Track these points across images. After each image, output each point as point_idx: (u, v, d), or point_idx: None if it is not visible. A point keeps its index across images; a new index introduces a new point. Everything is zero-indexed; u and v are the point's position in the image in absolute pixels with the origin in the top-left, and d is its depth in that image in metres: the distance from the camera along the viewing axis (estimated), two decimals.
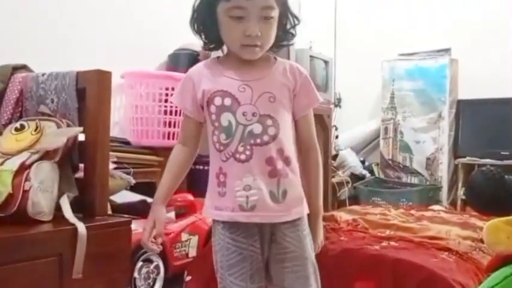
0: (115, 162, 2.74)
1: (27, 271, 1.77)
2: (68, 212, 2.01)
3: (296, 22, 1.46)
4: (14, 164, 2.01)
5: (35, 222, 1.93)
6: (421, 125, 5.15)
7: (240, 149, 1.39)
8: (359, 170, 5.35)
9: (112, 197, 2.47)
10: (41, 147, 2.07)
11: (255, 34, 1.33)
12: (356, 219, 3.06)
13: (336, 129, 5.42)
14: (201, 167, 3.81)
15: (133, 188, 3.02)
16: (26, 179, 1.97)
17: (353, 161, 5.37)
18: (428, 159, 5.13)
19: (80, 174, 2.25)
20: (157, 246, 1.50)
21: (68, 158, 2.18)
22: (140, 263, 2.49)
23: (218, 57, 1.51)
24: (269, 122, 1.40)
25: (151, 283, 2.58)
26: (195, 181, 3.67)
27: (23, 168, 2.00)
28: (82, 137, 2.24)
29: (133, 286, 2.44)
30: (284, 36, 1.47)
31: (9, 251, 1.73)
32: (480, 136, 4.93)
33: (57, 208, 2.02)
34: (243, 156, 1.39)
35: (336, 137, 5.48)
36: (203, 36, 1.47)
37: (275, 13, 1.37)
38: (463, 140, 5.03)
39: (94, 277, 1.97)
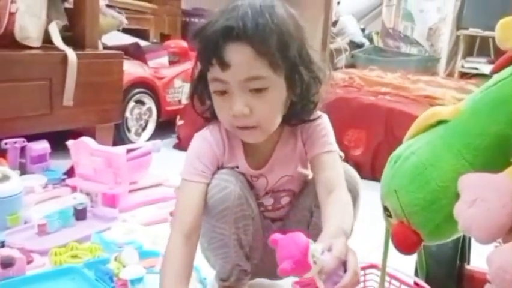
0: (106, 6, 2.61)
1: (17, 92, 1.73)
2: (57, 38, 1.94)
3: (317, 82, 1.00)
4: None
5: (24, 47, 1.87)
6: None
7: None
8: (359, 38, 5.22)
9: (104, 39, 2.38)
10: None
11: (240, 113, 0.94)
12: (352, 77, 3.02)
13: None
14: (196, 20, 3.71)
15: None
16: (12, 1, 1.87)
17: (352, 28, 5.22)
18: (430, 29, 5.00)
19: (69, 6, 2.16)
20: None
21: None
22: (132, 103, 2.46)
23: None
24: None
25: (143, 124, 2.57)
26: (189, 32, 3.59)
27: None
28: None
29: (125, 126, 2.43)
30: (301, 104, 1.01)
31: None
32: (485, 8, 4.76)
33: (47, 40, 1.95)
34: None
35: (338, 3, 5.28)
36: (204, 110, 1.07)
37: (269, 83, 0.94)
38: (468, 10, 4.86)
39: (85, 106, 1.95)
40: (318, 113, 1.06)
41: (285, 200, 1.13)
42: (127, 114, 2.46)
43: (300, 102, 1.01)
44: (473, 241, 1.06)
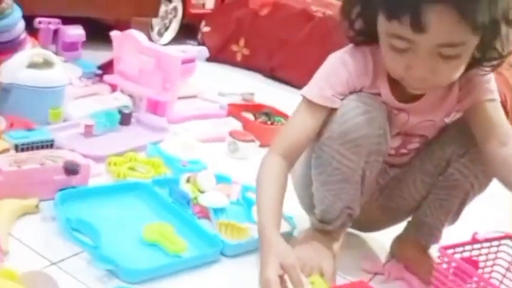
0: None
1: None
2: None
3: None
4: None
5: None
6: None
7: None
8: None
9: None
10: None
11: (423, 77, 0.82)
12: None
13: None
14: None
15: None
16: None
17: None
18: None
19: None
20: None
21: None
22: None
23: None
24: None
25: (167, 24, 2.32)
26: None
27: None
28: None
29: (149, 24, 2.18)
30: (483, 58, 0.86)
31: None
32: None
33: None
34: None
35: None
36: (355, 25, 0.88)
37: (464, 49, 0.80)
38: None
39: None
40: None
41: (413, 146, 0.98)
42: None
43: (484, 56, 0.86)
44: None
